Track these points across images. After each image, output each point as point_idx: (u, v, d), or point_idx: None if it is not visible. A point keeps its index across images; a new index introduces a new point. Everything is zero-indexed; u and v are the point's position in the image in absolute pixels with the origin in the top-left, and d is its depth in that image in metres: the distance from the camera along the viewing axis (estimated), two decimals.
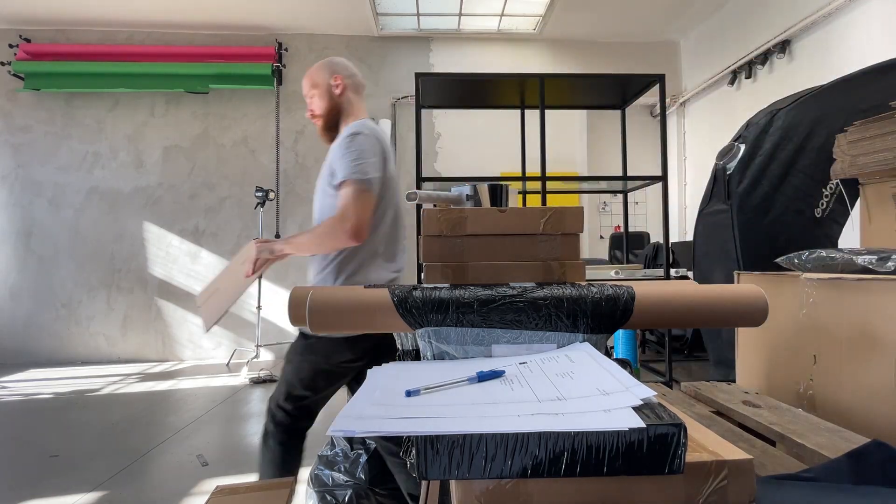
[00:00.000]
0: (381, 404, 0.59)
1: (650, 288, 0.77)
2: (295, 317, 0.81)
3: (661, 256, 3.46)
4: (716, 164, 2.55)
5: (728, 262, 2.39)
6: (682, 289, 0.78)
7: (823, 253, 1.24)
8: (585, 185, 3.93)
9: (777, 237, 2.27)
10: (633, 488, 0.53)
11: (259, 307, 4.25)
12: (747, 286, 0.78)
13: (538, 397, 0.58)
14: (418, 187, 3.04)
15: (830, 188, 2.25)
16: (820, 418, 1.01)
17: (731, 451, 0.56)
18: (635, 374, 2.70)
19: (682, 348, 4.08)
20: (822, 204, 2.26)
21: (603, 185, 4.00)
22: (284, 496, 1.24)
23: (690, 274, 3.26)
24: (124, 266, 4.69)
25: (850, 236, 2.14)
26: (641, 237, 5.14)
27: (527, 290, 0.76)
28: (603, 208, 6.14)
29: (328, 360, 1.40)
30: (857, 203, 1.56)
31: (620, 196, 3.95)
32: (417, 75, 3.11)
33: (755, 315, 0.76)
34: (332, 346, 1.39)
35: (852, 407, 1.09)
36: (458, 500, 0.54)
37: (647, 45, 5.06)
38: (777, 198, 2.30)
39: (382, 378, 0.70)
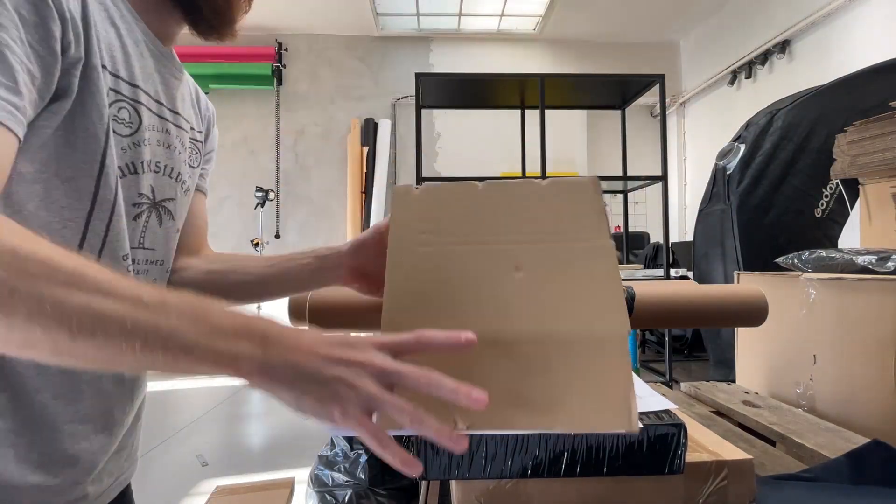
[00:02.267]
0: None
1: (650, 288, 0.77)
2: (295, 317, 0.81)
3: (661, 256, 3.46)
4: (716, 164, 2.55)
5: (728, 262, 2.39)
6: (682, 289, 0.78)
7: (823, 253, 1.24)
8: None
9: (777, 237, 2.27)
10: (632, 488, 0.53)
11: (259, 307, 4.25)
12: (747, 286, 0.78)
13: None
14: None
15: (830, 188, 2.25)
16: (820, 418, 1.01)
17: (731, 451, 0.56)
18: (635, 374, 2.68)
19: (682, 348, 4.08)
20: (822, 204, 2.26)
21: (603, 185, 3.98)
22: (284, 496, 1.24)
23: (690, 274, 3.26)
24: None
25: (850, 236, 2.14)
26: (641, 237, 5.14)
27: None
28: None
29: None
30: (857, 203, 1.56)
31: (620, 196, 3.95)
32: (417, 75, 3.10)
33: (755, 315, 0.76)
34: None
35: (852, 407, 1.09)
36: (458, 500, 0.54)
37: (647, 45, 5.06)
38: (777, 198, 2.30)
39: None
